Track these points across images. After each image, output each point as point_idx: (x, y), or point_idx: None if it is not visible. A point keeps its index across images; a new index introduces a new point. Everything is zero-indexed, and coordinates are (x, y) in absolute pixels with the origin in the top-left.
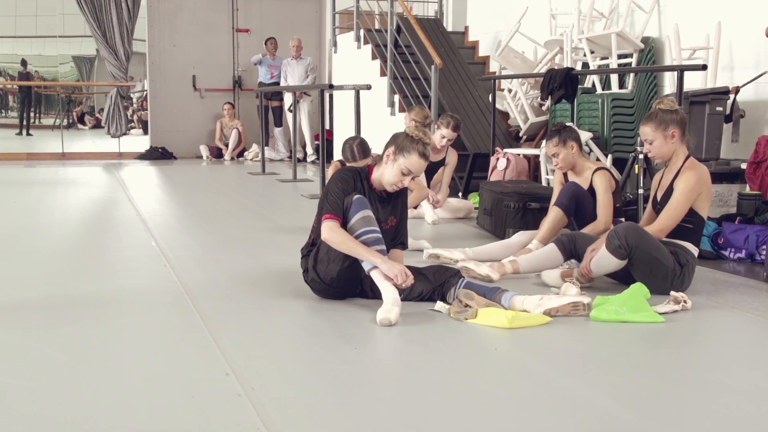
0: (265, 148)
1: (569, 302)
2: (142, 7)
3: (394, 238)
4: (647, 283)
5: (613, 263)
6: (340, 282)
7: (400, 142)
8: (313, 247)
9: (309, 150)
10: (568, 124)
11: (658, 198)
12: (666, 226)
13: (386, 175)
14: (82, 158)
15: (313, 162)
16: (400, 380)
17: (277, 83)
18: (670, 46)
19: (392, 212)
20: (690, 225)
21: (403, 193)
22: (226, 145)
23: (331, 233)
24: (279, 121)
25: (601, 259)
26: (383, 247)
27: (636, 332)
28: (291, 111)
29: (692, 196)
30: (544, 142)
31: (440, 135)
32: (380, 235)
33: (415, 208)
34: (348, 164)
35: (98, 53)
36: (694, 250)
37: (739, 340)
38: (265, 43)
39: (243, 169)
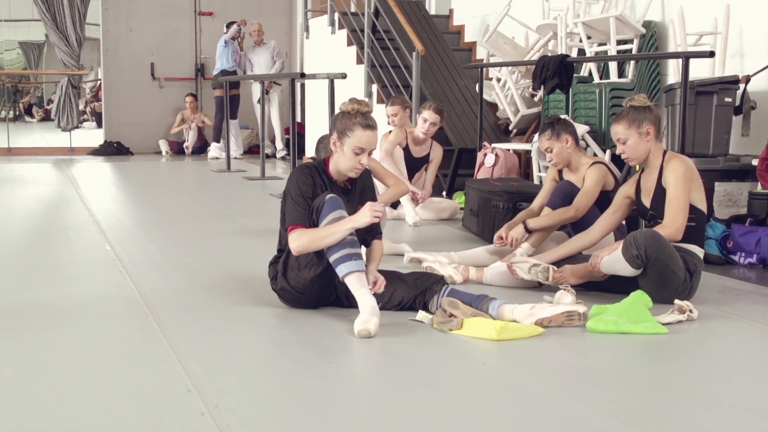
0: (216, 145)
1: (563, 311)
2: None
3: (369, 230)
4: (655, 294)
5: (627, 271)
6: (313, 290)
7: (339, 126)
8: (282, 253)
9: (279, 145)
10: (563, 116)
11: (647, 204)
12: (678, 225)
13: (341, 162)
14: (30, 154)
15: (283, 158)
16: (378, 397)
17: (237, 71)
18: (674, 30)
19: (360, 202)
20: (693, 223)
21: (367, 179)
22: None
23: (299, 242)
24: (235, 113)
25: (615, 263)
26: (358, 250)
27: (637, 344)
28: (259, 103)
29: (687, 184)
30: (535, 136)
31: (422, 119)
32: (354, 237)
33: (395, 207)
34: None
35: (47, 39)
36: (700, 253)
37: (750, 352)
38: (227, 27)
39: (206, 166)
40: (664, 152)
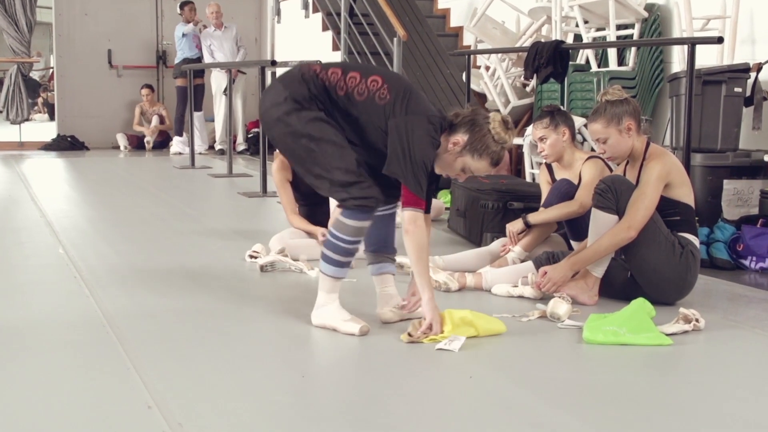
0: (179, 139)
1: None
2: None
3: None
4: (642, 255)
5: (608, 221)
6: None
7: (475, 138)
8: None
9: (239, 139)
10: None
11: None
12: (635, 223)
13: (441, 163)
14: None
15: (241, 152)
16: (356, 414)
17: (201, 59)
18: (679, 14)
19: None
20: (677, 216)
21: None
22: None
23: (417, 234)
24: (199, 104)
25: (592, 222)
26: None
27: (638, 357)
28: (227, 94)
29: (659, 185)
30: (528, 129)
31: None
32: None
33: None
34: None
35: None
36: (695, 240)
37: (761, 365)
38: (181, 9)
39: (168, 162)
40: (647, 145)
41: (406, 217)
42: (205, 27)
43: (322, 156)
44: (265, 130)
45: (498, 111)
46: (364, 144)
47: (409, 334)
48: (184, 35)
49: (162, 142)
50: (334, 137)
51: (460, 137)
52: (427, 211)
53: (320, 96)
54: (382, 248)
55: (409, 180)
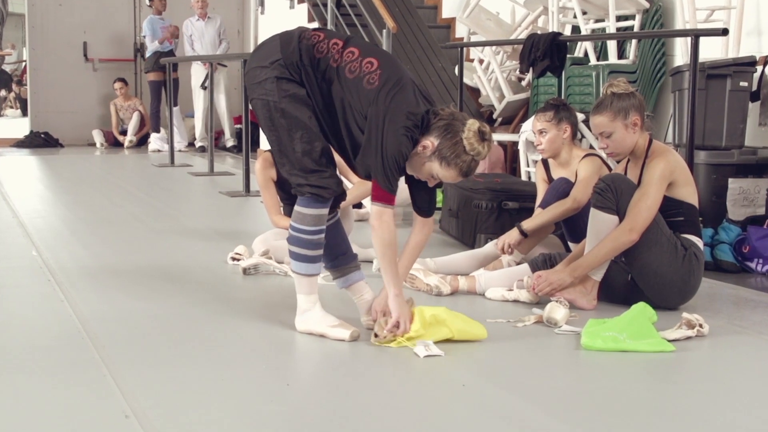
0: (157, 135)
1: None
2: None
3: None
4: (644, 258)
5: (608, 221)
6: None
7: (447, 145)
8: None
9: (227, 134)
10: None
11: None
12: (637, 226)
13: (412, 166)
14: None
15: (229, 149)
16: (345, 425)
17: (173, 52)
18: (682, 5)
19: None
20: (681, 217)
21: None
22: (124, 133)
23: (382, 229)
24: (176, 99)
25: (591, 221)
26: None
27: (639, 364)
28: (205, 88)
29: (662, 184)
30: (523, 125)
31: None
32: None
33: (360, 207)
34: None
35: None
36: (699, 242)
37: None
38: (153, 2)
39: (147, 160)
40: (650, 142)
41: (372, 211)
42: (175, 27)
43: (290, 135)
44: (246, 87)
45: (477, 119)
46: (339, 125)
47: (375, 335)
48: (160, 41)
49: (140, 139)
50: (307, 120)
51: (431, 141)
52: (429, 214)
53: (309, 66)
54: (342, 262)
55: (379, 175)
